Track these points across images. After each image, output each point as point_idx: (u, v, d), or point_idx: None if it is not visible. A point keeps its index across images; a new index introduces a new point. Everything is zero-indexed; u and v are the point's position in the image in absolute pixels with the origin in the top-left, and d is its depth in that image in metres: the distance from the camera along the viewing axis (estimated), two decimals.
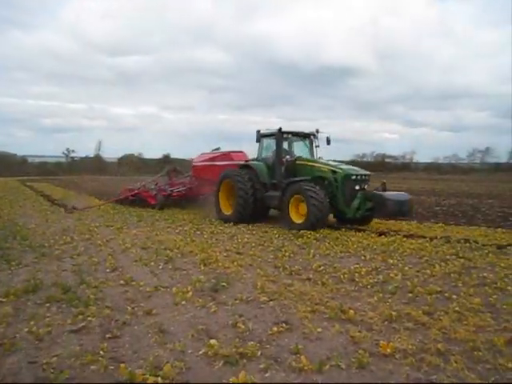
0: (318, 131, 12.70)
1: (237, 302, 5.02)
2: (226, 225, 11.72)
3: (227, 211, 12.56)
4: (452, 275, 6.20)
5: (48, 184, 33.45)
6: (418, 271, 6.45)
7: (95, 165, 57.39)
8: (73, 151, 63.30)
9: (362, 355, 3.50)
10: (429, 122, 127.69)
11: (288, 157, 12.08)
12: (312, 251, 7.89)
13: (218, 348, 3.62)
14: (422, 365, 3.40)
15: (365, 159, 64.17)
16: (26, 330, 4.09)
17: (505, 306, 4.78)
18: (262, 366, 3.37)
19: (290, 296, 5.18)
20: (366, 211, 10.81)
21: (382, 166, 58.94)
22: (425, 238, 9.38)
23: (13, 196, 21.43)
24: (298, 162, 11.94)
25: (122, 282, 5.86)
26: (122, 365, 3.28)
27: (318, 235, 9.61)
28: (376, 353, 3.62)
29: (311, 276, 6.13)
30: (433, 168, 63.95)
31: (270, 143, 12.66)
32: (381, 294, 5.22)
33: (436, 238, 9.31)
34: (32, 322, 4.28)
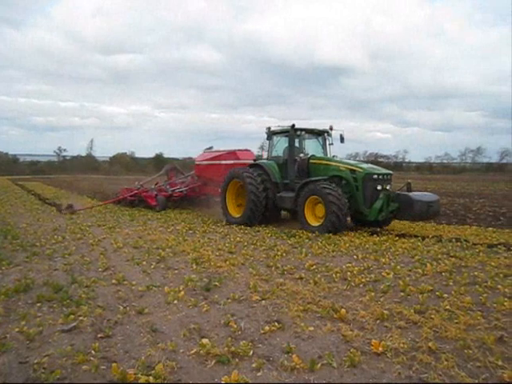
0: (331, 128, 12.05)
1: (229, 301, 5.02)
2: (219, 224, 11.70)
3: (236, 213, 11.87)
4: (443, 274, 6.24)
5: (39, 183, 33.24)
6: (409, 270, 6.49)
7: (87, 164, 57.03)
8: (64, 150, 63.25)
9: (353, 354, 3.51)
10: (421, 122, 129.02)
11: (301, 155, 11.44)
12: (304, 250, 7.90)
13: (210, 347, 3.62)
14: (414, 363, 3.42)
15: (357, 159, 64.46)
16: (17, 329, 4.06)
17: (495, 305, 4.81)
18: (254, 365, 3.37)
19: (282, 295, 5.19)
20: (389, 213, 10.13)
21: (374, 165, 59.10)
22: (416, 237, 9.46)
23: (3, 195, 21.25)
24: (311, 160, 11.30)
25: (113, 281, 5.83)
26: (114, 364, 3.26)
27: (310, 234, 9.64)
28: (368, 351, 3.64)
29: (303, 275, 6.14)
30: (425, 167, 64.72)
31: (281, 141, 12.06)
32: (373, 293, 5.24)
33: (428, 237, 9.39)
34: (23, 322, 4.25)
